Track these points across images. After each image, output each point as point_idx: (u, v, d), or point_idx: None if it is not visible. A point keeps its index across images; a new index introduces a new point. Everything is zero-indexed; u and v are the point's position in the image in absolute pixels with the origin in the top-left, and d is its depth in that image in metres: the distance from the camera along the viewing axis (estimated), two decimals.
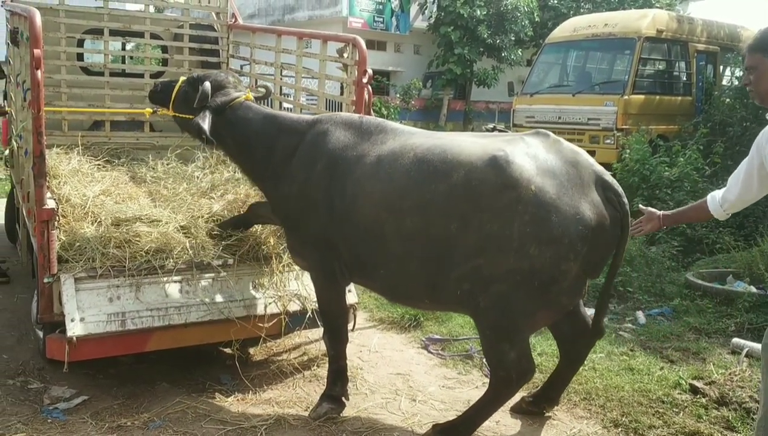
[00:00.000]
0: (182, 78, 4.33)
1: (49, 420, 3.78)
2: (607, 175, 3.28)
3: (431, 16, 22.41)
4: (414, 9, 23.59)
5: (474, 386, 4.32)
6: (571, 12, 22.15)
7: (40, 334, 4.44)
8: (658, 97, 11.79)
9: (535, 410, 3.89)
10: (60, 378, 4.24)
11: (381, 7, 23.01)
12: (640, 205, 3.74)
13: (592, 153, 11.05)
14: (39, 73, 3.71)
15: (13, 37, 4.79)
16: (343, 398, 3.92)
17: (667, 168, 8.29)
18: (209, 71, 4.52)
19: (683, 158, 8.39)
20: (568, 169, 3.16)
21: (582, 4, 23.46)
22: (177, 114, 4.25)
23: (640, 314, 5.63)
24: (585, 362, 4.48)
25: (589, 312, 5.60)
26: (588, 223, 3.09)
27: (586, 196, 3.13)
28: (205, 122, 3.95)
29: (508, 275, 3.12)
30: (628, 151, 8.98)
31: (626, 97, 11.16)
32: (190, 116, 4.07)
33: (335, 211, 3.62)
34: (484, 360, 4.64)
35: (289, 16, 24.13)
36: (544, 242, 3.05)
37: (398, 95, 21.47)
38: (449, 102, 23.21)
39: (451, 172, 3.22)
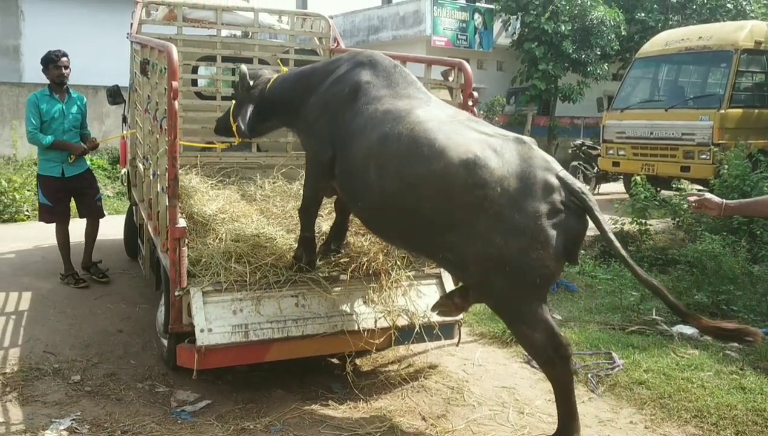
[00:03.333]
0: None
1: (179, 421, 4.06)
2: (571, 180, 3.50)
3: (515, 33, 22.35)
4: (497, 26, 23.57)
5: (581, 400, 4.36)
6: (659, 25, 21.62)
7: (164, 342, 4.78)
8: (757, 110, 11.43)
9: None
10: (183, 383, 4.55)
11: (464, 25, 23.12)
12: (692, 195, 3.78)
13: (686, 169, 11.07)
14: (176, 103, 4.04)
15: (143, 68, 5.17)
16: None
17: None
18: None
19: None
20: (532, 172, 3.44)
21: (671, 16, 22.87)
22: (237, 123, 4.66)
23: None
24: (694, 380, 4.51)
25: (690, 330, 5.58)
26: (548, 219, 3.38)
27: (547, 197, 3.40)
28: (246, 117, 4.54)
29: (480, 259, 3.48)
30: (726, 166, 8.77)
31: (723, 111, 10.88)
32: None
33: (341, 131, 4.07)
34: (588, 375, 4.70)
35: (373, 37, 24.56)
36: (510, 234, 3.38)
37: (482, 112, 21.46)
38: (533, 118, 23.00)
39: (433, 160, 3.55)
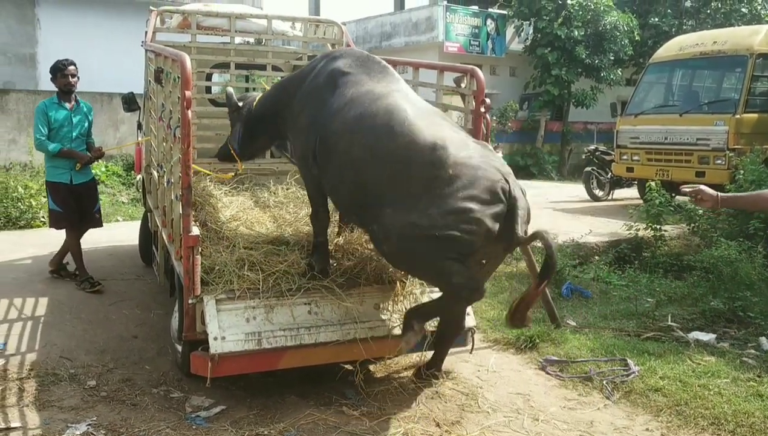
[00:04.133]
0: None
1: (193, 427, 4.07)
2: (513, 183, 3.85)
3: (527, 38, 22.32)
4: (510, 32, 23.55)
5: (596, 407, 4.35)
6: (673, 30, 21.51)
7: (179, 348, 4.80)
8: None
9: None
10: (197, 389, 4.56)
11: (477, 31, 23.09)
12: (688, 186, 3.81)
13: (701, 174, 10.98)
14: (189, 112, 4.05)
15: (157, 76, 5.20)
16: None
17: None
18: None
19: None
20: (485, 166, 3.81)
21: (685, 21, 22.77)
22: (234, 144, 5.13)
23: (763, 340, 5.47)
24: (710, 387, 4.47)
25: (707, 337, 5.54)
26: (485, 206, 3.72)
27: (491, 189, 3.75)
28: (236, 136, 5.00)
29: (408, 229, 3.79)
30: (741, 171, 8.70)
31: (738, 116, 10.79)
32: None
33: (322, 114, 4.36)
34: (604, 382, 4.68)
35: (386, 43, 24.60)
36: (447, 211, 3.70)
37: (495, 117, 21.40)
38: (546, 123, 22.96)
39: (402, 136, 3.91)
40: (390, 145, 3.93)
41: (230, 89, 5.11)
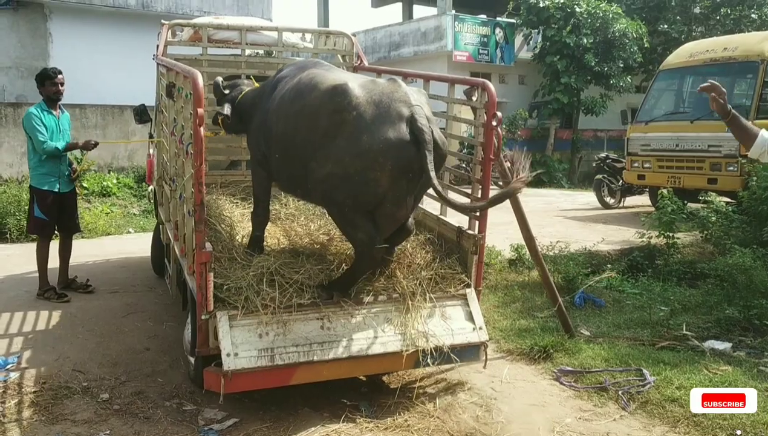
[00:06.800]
0: None
1: None
2: (419, 114, 4.00)
3: (536, 47, 22.31)
4: (518, 40, 23.54)
5: (611, 418, 4.30)
6: (683, 36, 21.46)
7: (192, 361, 4.79)
8: None
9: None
10: (210, 401, 4.55)
11: (485, 39, 23.11)
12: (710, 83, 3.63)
13: (713, 181, 10.86)
14: (202, 130, 4.03)
15: (169, 91, 5.21)
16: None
17: None
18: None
19: None
20: (390, 104, 4.01)
21: (694, 27, 22.70)
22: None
23: None
24: None
25: (722, 346, 5.48)
26: (390, 144, 3.93)
27: (394, 127, 3.96)
28: (225, 109, 5.16)
29: (329, 177, 4.10)
30: (754, 178, 8.63)
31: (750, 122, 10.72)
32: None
33: (266, 114, 4.74)
34: (619, 393, 4.63)
35: (394, 53, 24.65)
36: (355, 155, 3.96)
37: (504, 126, 21.38)
38: (556, 131, 22.92)
39: (307, 94, 4.27)
40: (299, 105, 4.28)
41: (219, 78, 5.43)
